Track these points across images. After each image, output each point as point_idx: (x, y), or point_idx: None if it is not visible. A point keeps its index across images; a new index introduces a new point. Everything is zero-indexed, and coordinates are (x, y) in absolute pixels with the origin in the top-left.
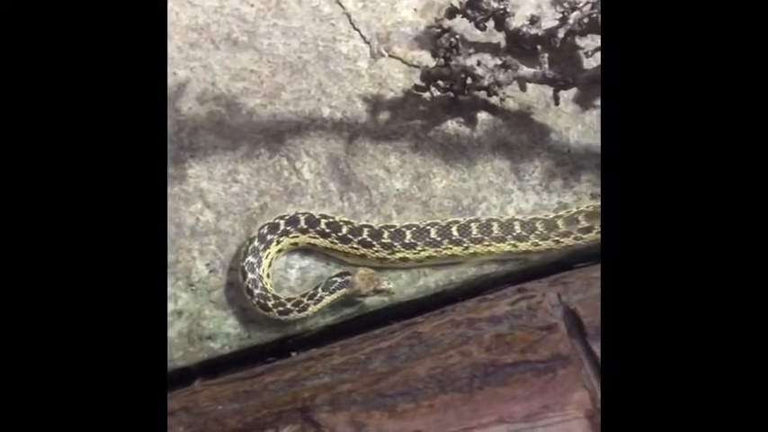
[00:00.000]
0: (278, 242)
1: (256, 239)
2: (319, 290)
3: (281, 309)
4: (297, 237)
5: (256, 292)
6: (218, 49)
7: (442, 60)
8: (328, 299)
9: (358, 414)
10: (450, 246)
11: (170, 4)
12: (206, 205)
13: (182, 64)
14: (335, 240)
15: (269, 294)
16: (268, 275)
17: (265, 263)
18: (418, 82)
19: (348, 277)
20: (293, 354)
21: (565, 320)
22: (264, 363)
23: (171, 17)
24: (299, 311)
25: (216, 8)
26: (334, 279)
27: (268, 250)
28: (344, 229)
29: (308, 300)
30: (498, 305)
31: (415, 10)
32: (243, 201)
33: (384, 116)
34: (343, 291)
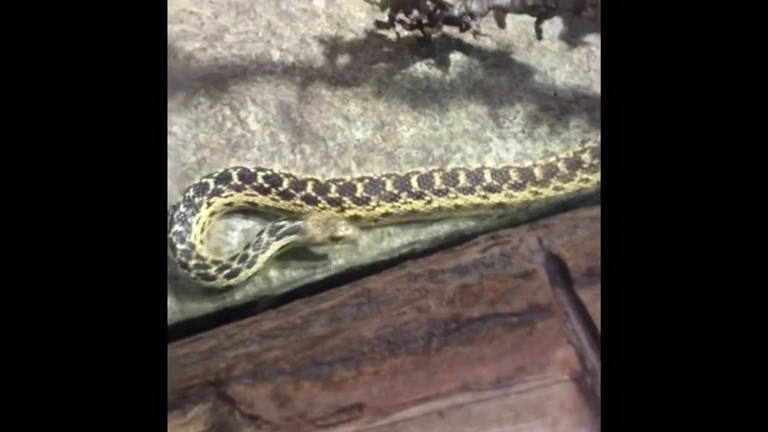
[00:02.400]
0: (209, 204)
1: (182, 204)
2: (264, 235)
3: (227, 272)
4: (231, 195)
5: (191, 263)
6: None
7: None
8: (276, 244)
9: (284, 386)
10: (410, 200)
11: None
12: None
13: None
14: (276, 197)
15: (207, 261)
16: (201, 242)
17: (197, 229)
18: (380, 17)
19: (299, 222)
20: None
21: (546, 267)
22: None
23: None
24: (248, 267)
25: None
26: (282, 223)
27: (198, 215)
28: (285, 183)
29: (253, 251)
30: (466, 254)
31: None
32: (177, 155)
33: (343, 59)
34: (293, 237)
